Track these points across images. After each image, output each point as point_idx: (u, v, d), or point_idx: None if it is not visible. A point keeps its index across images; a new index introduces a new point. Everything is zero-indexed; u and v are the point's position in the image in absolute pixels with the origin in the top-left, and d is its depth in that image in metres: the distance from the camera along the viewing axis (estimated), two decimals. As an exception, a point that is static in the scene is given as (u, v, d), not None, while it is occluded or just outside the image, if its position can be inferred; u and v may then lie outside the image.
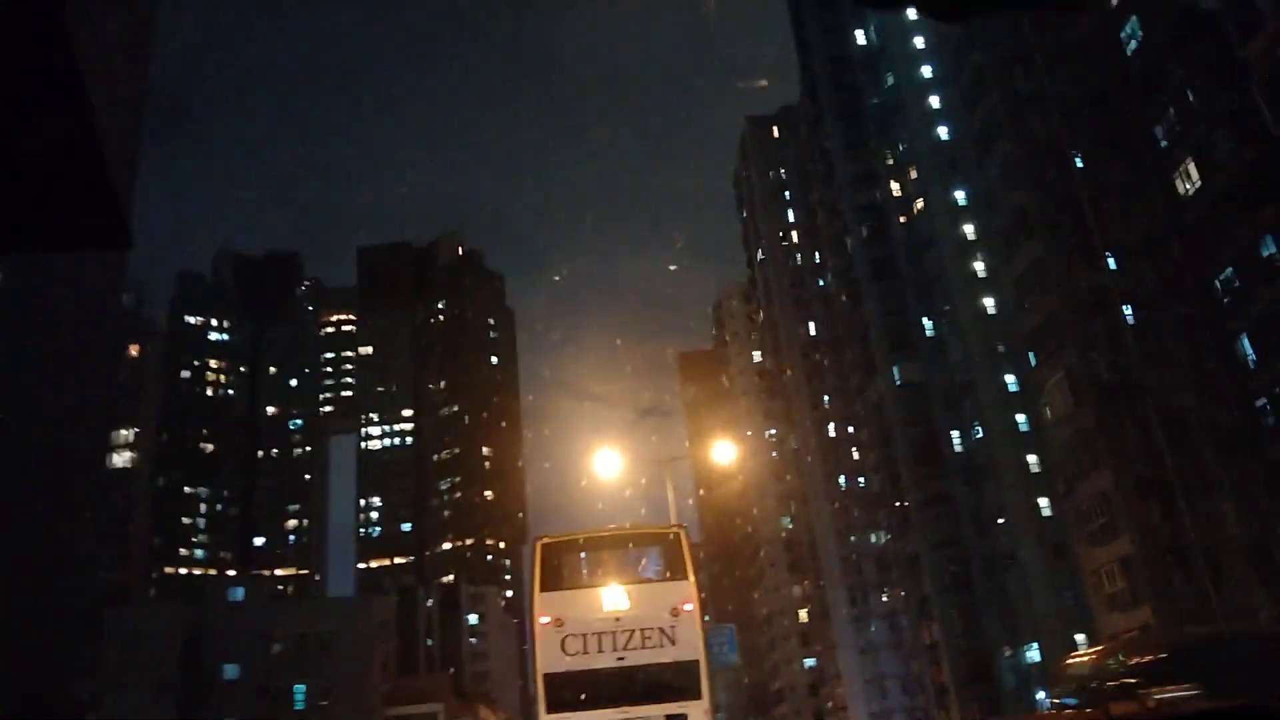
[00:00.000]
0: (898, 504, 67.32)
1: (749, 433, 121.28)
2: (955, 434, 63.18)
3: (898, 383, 65.69)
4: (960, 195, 66.03)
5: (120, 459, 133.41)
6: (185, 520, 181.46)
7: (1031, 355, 49.74)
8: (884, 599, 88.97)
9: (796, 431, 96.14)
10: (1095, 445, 44.52)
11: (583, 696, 14.22)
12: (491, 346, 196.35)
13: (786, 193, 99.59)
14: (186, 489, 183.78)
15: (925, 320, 65.76)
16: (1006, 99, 49.54)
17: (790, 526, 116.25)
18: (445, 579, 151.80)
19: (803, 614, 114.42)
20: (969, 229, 65.23)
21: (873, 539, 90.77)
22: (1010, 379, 61.60)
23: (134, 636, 52.25)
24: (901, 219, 68.05)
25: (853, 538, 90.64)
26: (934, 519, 62.67)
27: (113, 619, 54.04)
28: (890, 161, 68.56)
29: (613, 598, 14.77)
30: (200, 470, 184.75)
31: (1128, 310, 45.96)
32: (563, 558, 15.60)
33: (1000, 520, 59.60)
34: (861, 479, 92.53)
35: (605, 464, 26.88)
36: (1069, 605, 56.88)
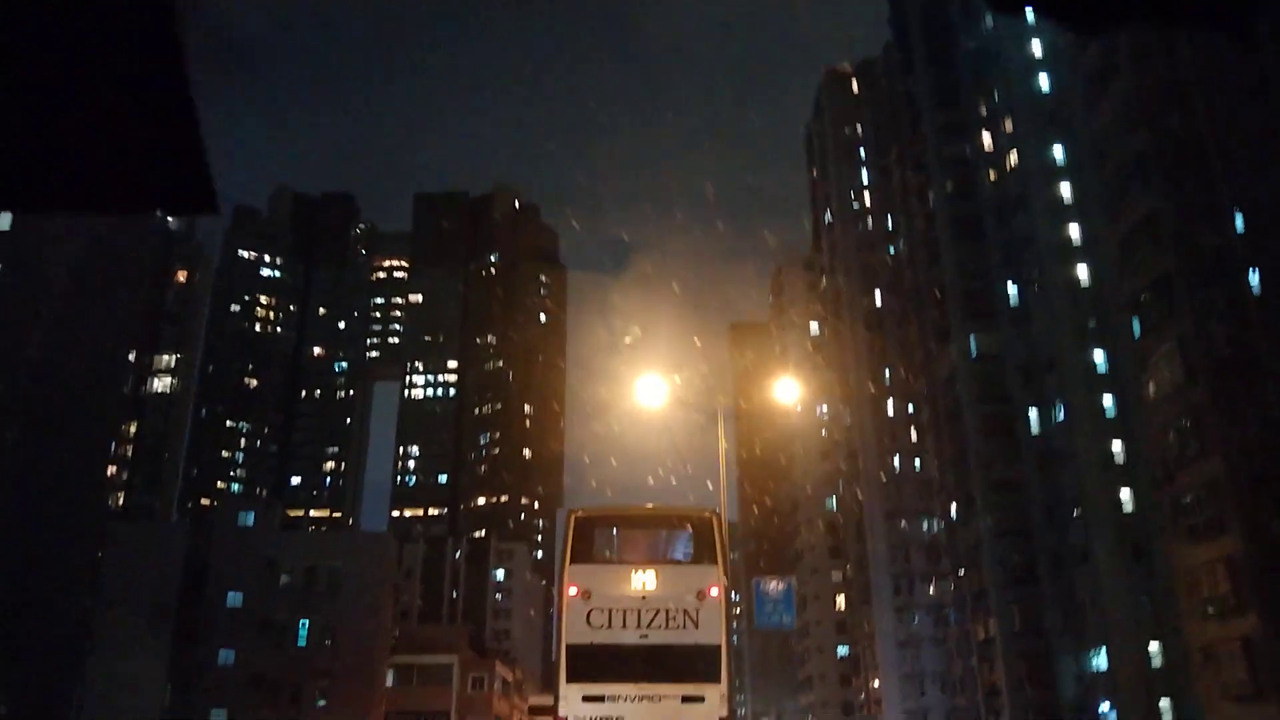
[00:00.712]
0: (961, 487, 61.79)
1: (798, 408, 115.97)
2: (1033, 414, 57.42)
3: (973, 354, 59.95)
4: (1058, 152, 59.97)
5: (160, 383, 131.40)
6: (224, 453, 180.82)
7: (1136, 322, 43.91)
8: (931, 590, 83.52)
9: (851, 408, 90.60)
10: (1206, 428, 38.82)
11: (603, 669, 14.16)
12: (541, 303, 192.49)
13: (861, 150, 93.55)
14: (228, 422, 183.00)
15: (1009, 287, 59.86)
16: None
17: (835, 509, 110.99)
18: (477, 534, 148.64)
19: (840, 600, 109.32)
20: (1065, 190, 59.22)
21: (924, 526, 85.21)
22: (1099, 357, 55.77)
23: (134, 554, 49.02)
24: (991, 175, 62.06)
25: (903, 523, 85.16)
26: (1001, 505, 57.07)
27: (116, 533, 50.64)
28: (983, 112, 62.51)
29: (641, 576, 14.64)
30: (242, 405, 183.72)
31: (1254, 278, 40.07)
32: (595, 532, 15.55)
33: (1075, 512, 53.94)
34: (917, 462, 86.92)
35: (649, 392, 23.65)
36: (1144, 610, 51.36)
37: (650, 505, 19.77)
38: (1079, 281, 57.46)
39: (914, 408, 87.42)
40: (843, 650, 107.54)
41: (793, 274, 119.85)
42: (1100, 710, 51.10)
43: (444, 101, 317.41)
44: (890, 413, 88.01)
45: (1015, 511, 56.39)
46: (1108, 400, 54.79)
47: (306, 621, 51.81)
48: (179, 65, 1.72)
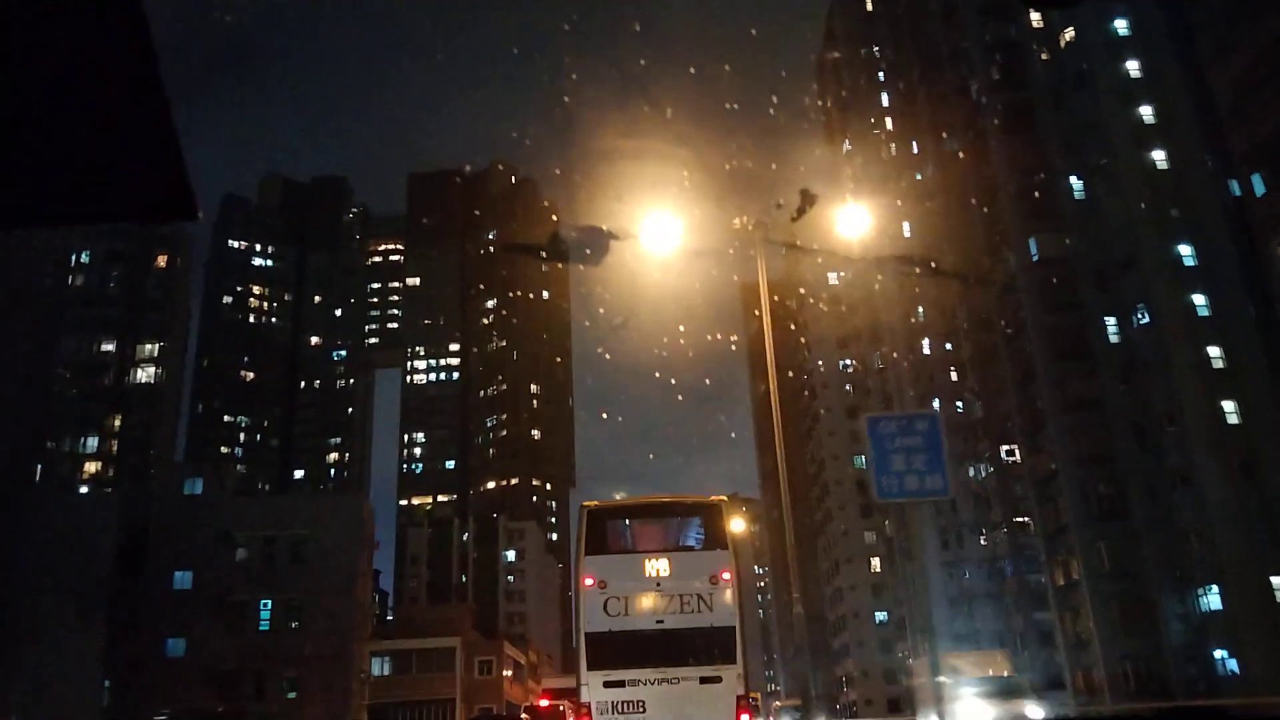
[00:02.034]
0: (1027, 413, 52.88)
1: (820, 363, 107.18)
2: (1110, 321, 48.45)
3: (1035, 258, 50.90)
4: (1121, 25, 50.93)
5: (144, 374, 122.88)
6: (224, 449, 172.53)
7: (1257, 179, 34.98)
8: (982, 541, 74.65)
9: (884, 349, 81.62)
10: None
11: (622, 656, 14.32)
12: (543, 280, 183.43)
13: (880, 74, 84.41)
14: (226, 417, 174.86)
15: (1073, 180, 50.82)
16: None
17: (865, 465, 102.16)
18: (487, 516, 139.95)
19: (875, 563, 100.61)
20: (1132, 66, 50.18)
21: (970, 472, 76.27)
22: (1186, 250, 46.80)
23: (61, 530, 40.26)
24: (1043, 56, 52.97)
25: (946, 470, 76.35)
26: (1078, 429, 48.22)
27: (38, 505, 41.53)
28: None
29: (654, 564, 14.89)
30: (240, 399, 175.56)
31: None
32: (608, 523, 15.73)
33: (1170, 429, 45.03)
34: (959, 404, 77.98)
35: (658, 231, 20.88)
36: (1261, 539, 42.49)
37: (660, 495, 18.28)
38: (1155, 166, 48.50)
39: (952, 345, 78.51)
40: (881, 616, 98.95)
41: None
42: (1215, 657, 42.29)
43: (439, 79, 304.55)
44: (926, 351, 79.04)
45: (1096, 434, 47.50)
46: (1199, 299, 45.90)
47: (269, 601, 43.36)
48: (154, 73, 1.69)
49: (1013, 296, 53.52)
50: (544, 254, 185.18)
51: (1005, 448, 73.51)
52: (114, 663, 39.69)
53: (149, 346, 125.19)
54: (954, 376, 78.25)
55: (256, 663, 41.96)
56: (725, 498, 16.40)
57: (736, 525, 66.11)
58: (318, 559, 43.19)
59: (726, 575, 14.71)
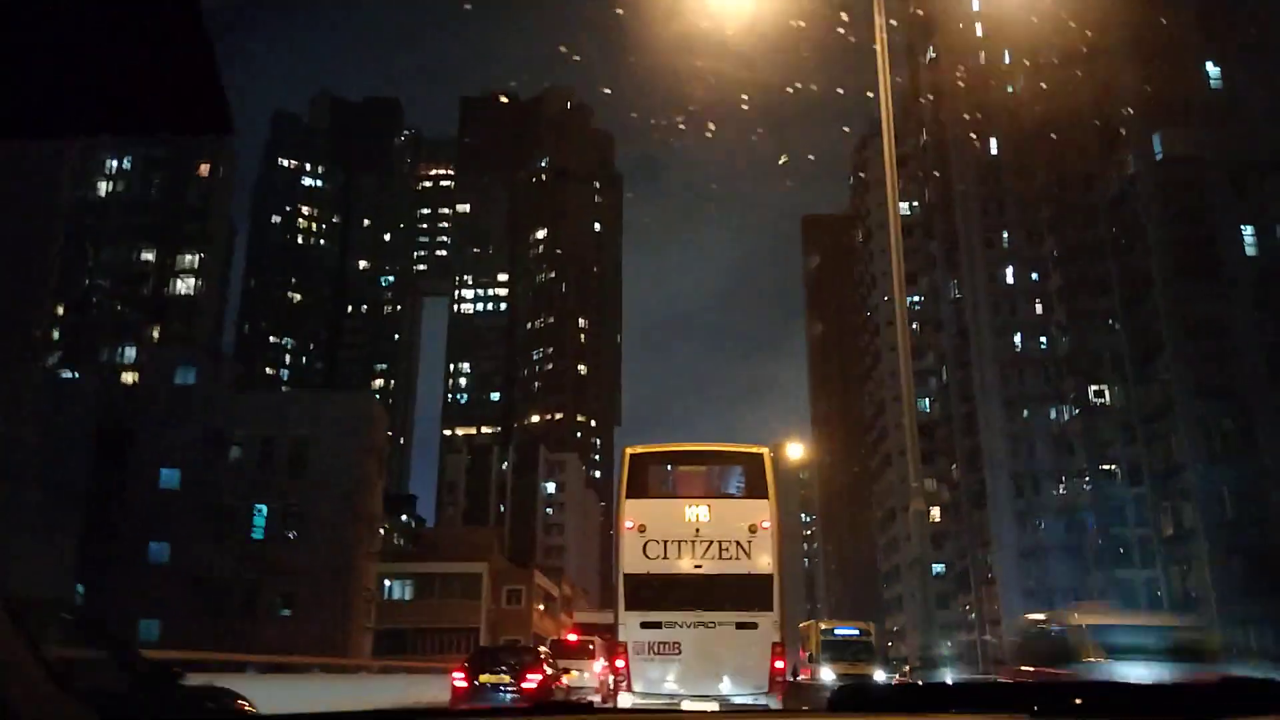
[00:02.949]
0: (1141, 338, 45.72)
1: (885, 298, 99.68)
2: (1247, 231, 41.00)
3: (1159, 155, 43.32)
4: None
5: (184, 285, 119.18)
6: (269, 370, 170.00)
7: None
8: (1060, 490, 67.78)
9: (962, 279, 74.17)
10: None
11: (660, 598, 14.47)
12: (595, 211, 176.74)
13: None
14: (271, 338, 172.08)
15: (1209, 67, 43.04)
16: None
17: (928, 410, 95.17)
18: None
19: (935, 512, 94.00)
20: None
21: (1051, 414, 69.19)
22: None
23: (36, 415, 35.68)
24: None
25: (1025, 412, 69.21)
26: (1200, 356, 41.07)
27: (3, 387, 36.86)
28: None
29: (694, 509, 14.90)
30: (287, 320, 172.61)
31: None
32: (650, 468, 15.70)
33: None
34: (1043, 339, 70.69)
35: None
36: None
37: (704, 443, 17.06)
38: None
39: (1039, 276, 71.03)
40: (938, 568, 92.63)
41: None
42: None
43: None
44: (1010, 279, 71.60)
45: (1222, 362, 40.34)
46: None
47: (264, 507, 38.34)
48: None
49: (1126, 207, 46.05)
50: (597, 182, 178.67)
51: (1094, 387, 66.39)
52: (87, 567, 35.13)
53: (189, 256, 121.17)
54: (1039, 309, 70.92)
55: (249, 574, 37.15)
56: (767, 448, 15.87)
57: (794, 452, 60.02)
58: (320, 463, 37.92)
59: (766, 524, 14.72)
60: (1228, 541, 38.42)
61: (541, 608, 64.97)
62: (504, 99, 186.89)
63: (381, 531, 59.26)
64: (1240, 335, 40.10)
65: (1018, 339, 70.34)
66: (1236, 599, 37.97)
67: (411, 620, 55.79)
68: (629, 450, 15.63)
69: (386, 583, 58.15)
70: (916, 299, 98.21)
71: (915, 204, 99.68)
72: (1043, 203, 69.65)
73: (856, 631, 36.39)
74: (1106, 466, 64.60)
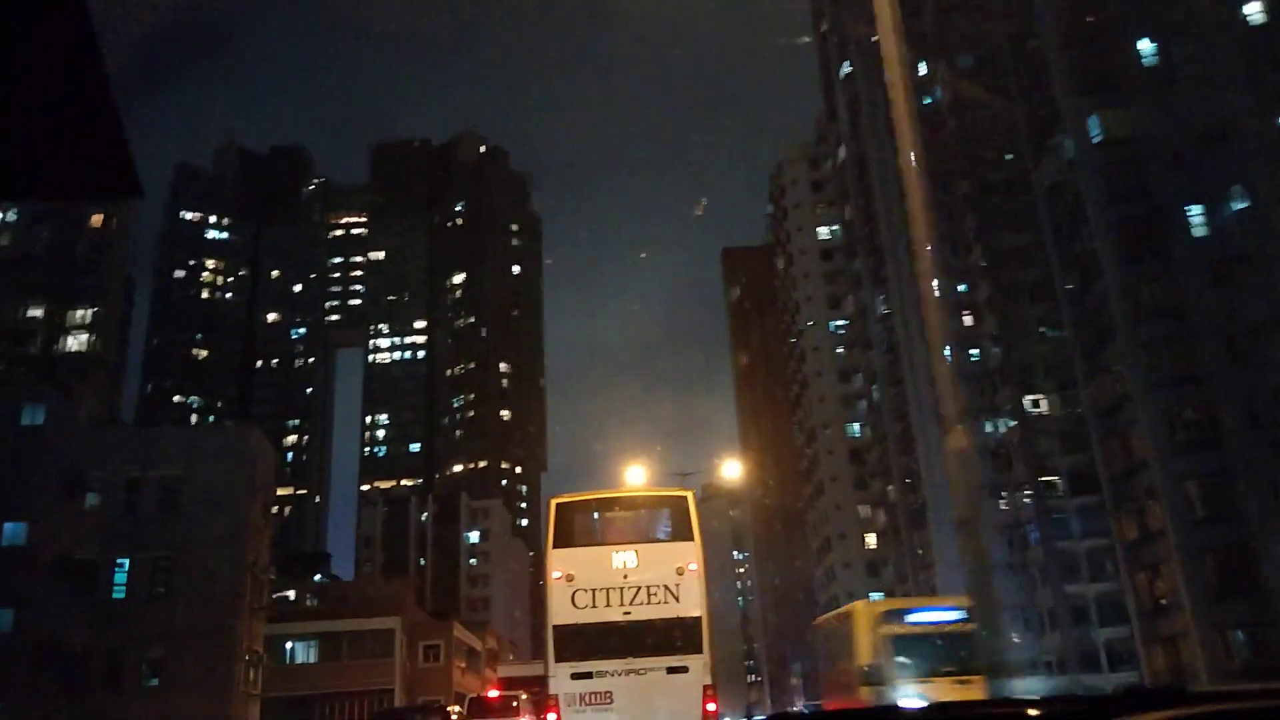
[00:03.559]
0: (1089, 328, 42.99)
1: (810, 323, 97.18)
2: (1194, 210, 38.65)
3: (1098, 137, 40.89)
4: None
5: (75, 341, 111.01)
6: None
7: None
8: (1001, 505, 64.89)
9: (890, 294, 71.69)
10: None
11: (590, 648, 14.22)
12: (514, 254, 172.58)
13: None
14: (176, 397, 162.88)
15: (1143, 43, 40.97)
16: None
17: (859, 435, 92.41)
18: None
19: (870, 539, 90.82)
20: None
21: (988, 429, 66.55)
22: (1288, 122, 37.06)
23: None
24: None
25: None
26: (1155, 343, 38.38)
27: None
28: None
29: (622, 556, 14.72)
30: (192, 378, 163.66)
31: None
32: (575, 517, 15.52)
33: (1275, 335, 35.27)
34: (974, 352, 68.23)
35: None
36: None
37: (627, 488, 19.29)
38: (1247, 20, 38.77)
39: (967, 287, 68.81)
40: (875, 596, 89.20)
41: (796, 168, 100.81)
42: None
43: (402, 49, 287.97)
44: (937, 293, 69.25)
45: (1179, 349, 37.68)
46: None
47: (126, 561, 32.65)
48: (94, 49, 1.67)
49: (1063, 195, 43.60)
50: (515, 225, 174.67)
51: (1029, 397, 63.97)
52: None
53: (80, 312, 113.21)
54: (968, 321, 68.62)
55: (109, 640, 31.34)
56: (691, 491, 15.98)
57: (731, 471, 56.14)
58: (195, 507, 32.40)
59: (693, 566, 14.62)
60: (1199, 541, 35.39)
61: (464, 665, 59.41)
62: (416, 145, 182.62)
63: (284, 590, 53.52)
64: (1198, 318, 37.54)
65: (947, 352, 67.75)
66: (1212, 602, 34.85)
67: (316, 685, 49.99)
68: (554, 500, 15.58)
69: (288, 645, 52.25)
70: (841, 323, 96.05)
71: (834, 229, 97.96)
72: (968, 212, 67.68)
73: (956, 615, 18.11)
74: (1047, 478, 61.97)
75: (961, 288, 68.91)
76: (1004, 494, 64.63)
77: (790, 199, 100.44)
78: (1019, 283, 64.48)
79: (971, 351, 67.87)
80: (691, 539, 14.84)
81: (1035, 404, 63.37)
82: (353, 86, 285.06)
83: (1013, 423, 63.93)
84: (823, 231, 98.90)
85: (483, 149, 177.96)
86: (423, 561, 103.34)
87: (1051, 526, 60.57)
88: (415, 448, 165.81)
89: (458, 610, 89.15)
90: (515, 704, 32.50)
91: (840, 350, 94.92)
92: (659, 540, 15.43)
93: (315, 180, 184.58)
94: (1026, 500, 62.68)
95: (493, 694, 37.28)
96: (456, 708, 22.97)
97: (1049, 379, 63.17)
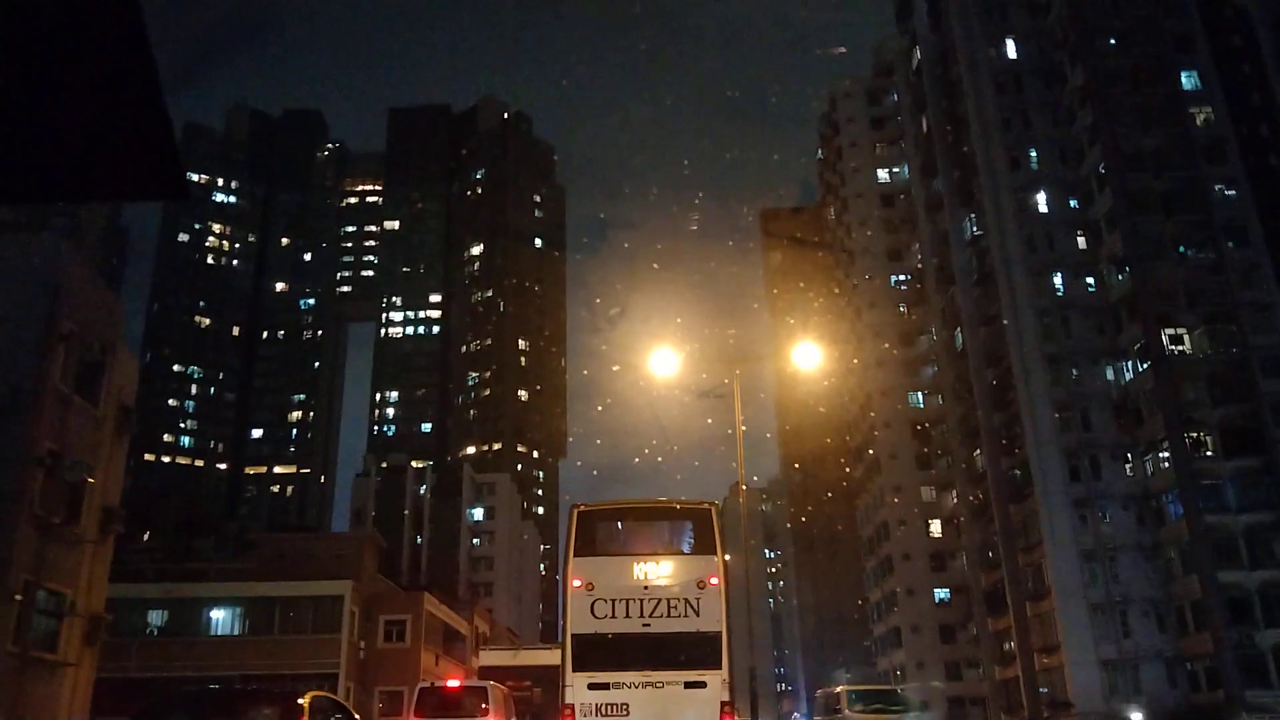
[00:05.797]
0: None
1: (867, 276, 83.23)
2: None
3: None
4: None
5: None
6: (171, 402, 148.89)
7: None
8: (1128, 469, 50.72)
9: (980, 208, 57.68)
10: None
11: (608, 658, 14.17)
12: (535, 226, 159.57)
13: None
14: (176, 366, 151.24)
15: None
16: None
17: (922, 405, 78.37)
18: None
19: (935, 526, 76.69)
20: None
21: (1109, 374, 52.44)
22: None
23: None
24: None
25: (1074, 371, 52.37)
26: None
27: None
28: None
29: (642, 567, 14.72)
30: (194, 347, 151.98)
31: None
32: (597, 525, 15.48)
33: None
34: (1090, 280, 54.16)
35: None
36: None
37: (651, 499, 17.14)
38: None
39: (1078, 201, 54.83)
40: (941, 593, 75.10)
41: (852, 104, 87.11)
42: None
43: (422, 7, 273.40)
44: (1043, 207, 55.28)
45: None
46: None
47: None
48: (147, 54, 1.71)
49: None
50: (538, 195, 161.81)
51: (1169, 331, 49.81)
52: None
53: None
54: (1080, 243, 54.59)
55: None
56: (715, 503, 15.47)
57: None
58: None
59: (715, 580, 14.42)
60: None
61: (439, 649, 45.82)
62: (436, 111, 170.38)
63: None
64: None
65: (1058, 280, 53.79)
66: None
67: (241, 663, 36.81)
68: (576, 507, 15.29)
69: (212, 614, 39.17)
70: (903, 277, 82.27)
71: (896, 170, 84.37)
72: (1080, 108, 53.76)
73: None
74: (1193, 434, 47.79)
75: (1073, 203, 54.95)
76: (1130, 456, 50.52)
77: (846, 137, 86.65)
78: (1151, 191, 50.54)
79: (1087, 280, 53.84)
80: (714, 552, 14.59)
81: (1175, 341, 49.23)
82: (371, 51, 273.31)
83: (1144, 366, 49.74)
84: (882, 174, 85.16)
85: (505, 115, 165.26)
86: (419, 540, 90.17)
87: (1199, 496, 46.42)
88: (426, 427, 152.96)
89: (456, 593, 75.95)
90: (484, 704, 20.80)
91: (902, 308, 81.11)
92: (681, 552, 15.15)
93: (329, 145, 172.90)
94: (1164, 463, 48.47)
95: (452, 684, 24.87)
96: (309, 697, 10.96)
97: (1193, 310, 49.13)
